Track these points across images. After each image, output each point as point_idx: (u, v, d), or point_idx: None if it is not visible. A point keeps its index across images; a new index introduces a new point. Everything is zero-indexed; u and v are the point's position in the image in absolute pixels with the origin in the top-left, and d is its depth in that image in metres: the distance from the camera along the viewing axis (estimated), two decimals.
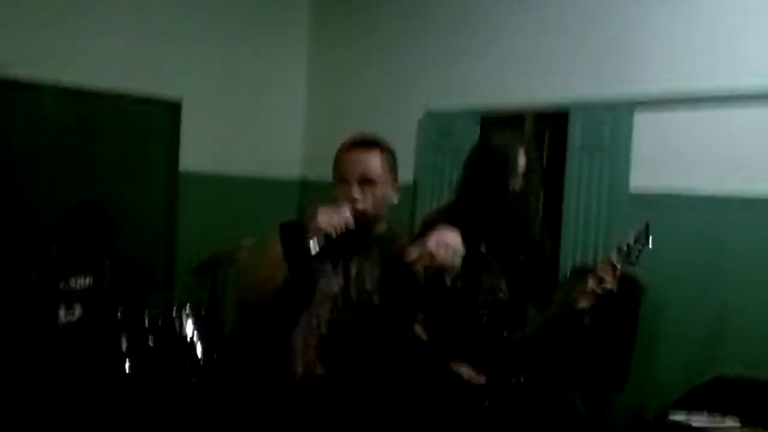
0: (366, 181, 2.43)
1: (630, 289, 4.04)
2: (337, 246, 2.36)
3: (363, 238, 2.48)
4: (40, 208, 5.34)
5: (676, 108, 4.25)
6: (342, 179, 2.46)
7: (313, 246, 2.27)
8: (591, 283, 2.82)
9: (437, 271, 2.23)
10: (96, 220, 4.75)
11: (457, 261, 2.23)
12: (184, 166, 6.14)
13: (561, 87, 4.76)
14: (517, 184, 2.96)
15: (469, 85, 5.38)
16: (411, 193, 5.60)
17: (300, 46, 6.85)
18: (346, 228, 2.32)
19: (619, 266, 2.83)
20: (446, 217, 3.09)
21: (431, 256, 2.19)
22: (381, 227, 2.55)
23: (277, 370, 2.50)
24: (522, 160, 2.97)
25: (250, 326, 2.92)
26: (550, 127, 5.00)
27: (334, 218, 2.31)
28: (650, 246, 2.86)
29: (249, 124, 6.49)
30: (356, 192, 2.42)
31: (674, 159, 4.26)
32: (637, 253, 2.85)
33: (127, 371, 3.98)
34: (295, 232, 2.34)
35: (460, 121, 5.34)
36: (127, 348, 4.03)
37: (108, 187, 5.77)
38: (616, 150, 4.44)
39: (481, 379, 2.96)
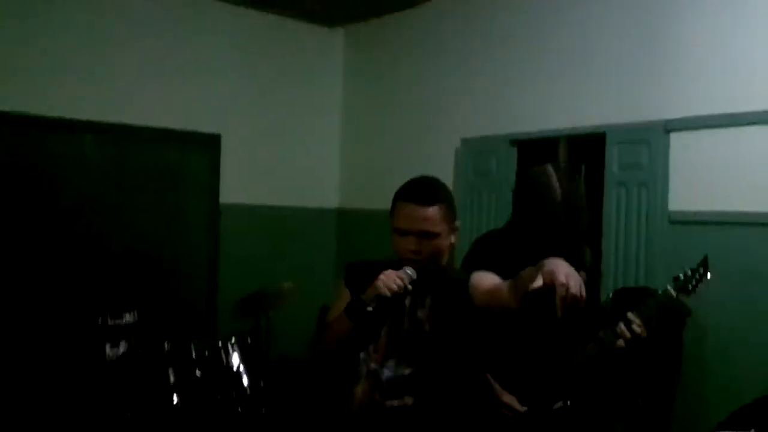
0: (424, 236, 2.48)
1: (674, 314, 4.04)
2: (394, 303, 2.49)
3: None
4: (85, 246, 5.43)
5: (713, 128, 4.23)
6: (401, 232, 2.51)
7: (371, 308, 2.44)
8: (622, 327, 2.83)
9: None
10: (139, 262, 4.83)
11: (584, 292, 2.10)
12: (224, 199, 6.22)
13: (596, 111, 4.77)
14: (562, 212, 2.97)
15: (503, 112, 5.41)
16: None
17: (335, 78, 6.95)
18: (403, 289, 2.44)
19: (674, 294, 2.84)
20: (501, 238, 3.12)
21: (565, 287, 2.07)
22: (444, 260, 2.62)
23: (338, 398, 2.61)
24: (563, 189, 2.99)
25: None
26: (584, 161, 5.02)
27: (392, 282, 2.41)
28: (708, 277, 2.87)
29: (286, 157, 6.57)
30: (415, 244, 2.48)
31: (713, 180, 4.23)
32: (693, 284, 2.86)
33: (176, 403, 4.03)
34: (356, 302, 2.49)
35: (496, 148, 5.38)
36: (175, 380, 4.08)
37: (150, 224, 5.88)
38: (654, 172, 4.43)
39: (521, 409, 2.98)
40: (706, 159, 4.25)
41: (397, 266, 2.55)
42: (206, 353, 4.18)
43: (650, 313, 2.88)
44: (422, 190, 2.52)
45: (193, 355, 4.16)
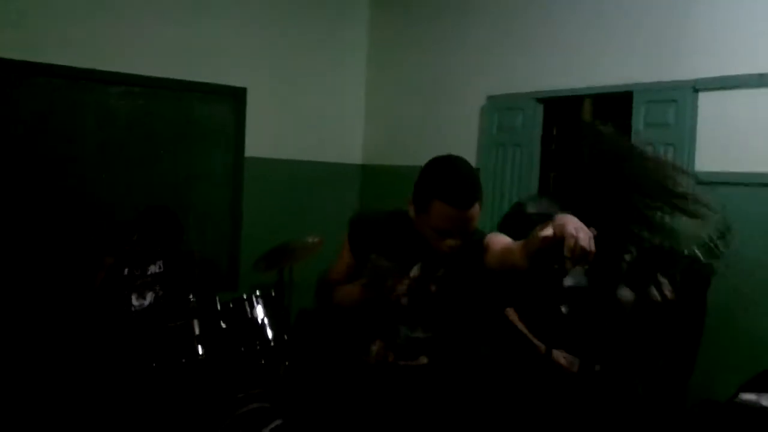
0: (467, 233, 2.50)
1: (698, 273, 4.03)
2: (380, 244, 2.67)
3: (419, 239, 2.59)
4: (109, 198, 5.49)
5: (742, 88, 4.16)
6: (442, 233, 2.47)
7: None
8: (652, 292, 2.89)
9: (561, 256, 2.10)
10: (165, 219, 4.86)
11: (593, 246, 2.06)
12: (249, 152, 6.25)
13: (623, 69, 4.71)
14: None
15: (529, 70, 5.36)
16: None
17: (360, 33, 6.91)
18: None
19: (703, 259, 2.84)
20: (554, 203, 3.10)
21: (575, 239, 2.02)
22: None
23: (354, 355, 2.69)
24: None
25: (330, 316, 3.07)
26: (610, 119, 4.97)
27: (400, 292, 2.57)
28: (733, 239, 2.87)
29: (311, 112, 6.57)
30: (456, 242, 2.49)
31: (740, 141, 4.19)
32: (720, 249, 2.86)
33: (201, 354, 4.09)
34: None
35: (521, 105, 5.34)
36: (200, 332, 4.14)
37: (174, 176, 5.93)
38: (681, 131, 4.39)
39: (575, 366, 3.01)
40: (735, 119, 4.19)
41: (401, 219, 2.60)
42: (231, 306, 4.24)
43: (677, 276, 2.89)
44: (462, 191, 2.43)
45: (218, 307, 4.22)
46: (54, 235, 5.33)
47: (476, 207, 2.45)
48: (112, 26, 5.50)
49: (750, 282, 4.10)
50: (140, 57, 5.64)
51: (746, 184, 4.10)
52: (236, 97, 6.16)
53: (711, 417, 3.66)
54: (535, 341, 3.12)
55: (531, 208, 3.19)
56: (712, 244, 2.87)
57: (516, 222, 3.11)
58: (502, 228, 3.19)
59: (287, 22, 6.41)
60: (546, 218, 2.16)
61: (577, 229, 2.03)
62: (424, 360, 2.62)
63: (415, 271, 2.61)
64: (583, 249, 2.01)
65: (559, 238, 2.04)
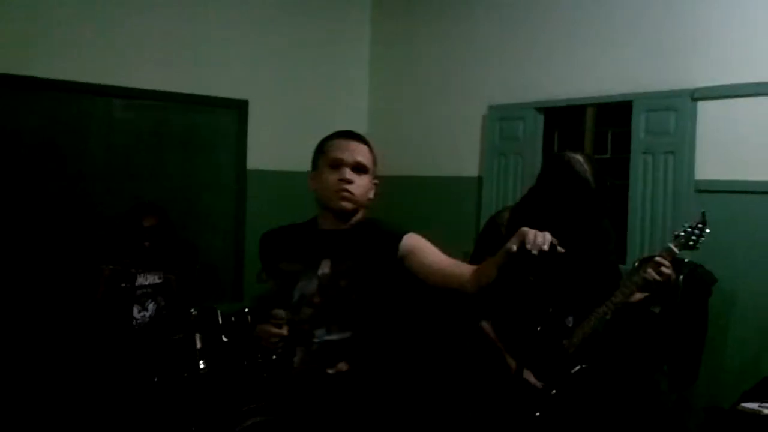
0: (358, 168, 2.56)
1: (699, 281, 4.05)
2: (289, 247, 2.67)
3: (327, 235, 2.62)
4: (115, 211, 5.50)
5: (740, 96, 4.18)
6: (334, 164, 2.56)
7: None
8: (650, 271, 2.91)
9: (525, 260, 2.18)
10: (158, 219, 4.90)
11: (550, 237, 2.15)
12: (251, 164, 6.26)
13: (623, 78, 4.72)
14: (586, 200, 3.03)
15: (531, 79, 5.37)
16: (476, 186, 5.65)
17: (362, 44, 6.91)
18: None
19: (677, 251, 2.90)
20: (520, 212, 3.17)
21: (534, 234, 2.13)
22: (358, 217, 2.66)
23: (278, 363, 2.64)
24: (592, 182, 3.03)
25: None
26: (612, 126, 5.02)
27: (271, 340, 2.49)
28: (707, 232, 2.91)
29: (312, 123, 6.55)
30: (348, 174, 2.54)
31: (739, 149, 4.20)
32: (694, 239, 2.91)
33: (202, 368, 4.11)
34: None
35: (522, 114, 5.35)
36: (202, 346, 4.16)
37: (177, 189, 5.95)
38: (681, 140, 4.40)
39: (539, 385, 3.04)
40: (734, 127, 4.20)
41: (308, 224, 2.67)
42: (232, 319, 4.25)
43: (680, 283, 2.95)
44: (351, 132, 2.65)
45: (220, 320, 4.23)
46: (60, 247, 5.35)
47: (367, 147, 2.61)
48: (114, 41, 5.53)
49: (750, 289, 4.11)
50: (141, 71, 5.67)
51: (746, 192, 4.12)
52: (238, 109, 6.18)
53: (714, 424, 3.68)
54: (508, 358, 3.13)
55: (500, 219, 3.25)
56: (687, 238, 2.92)
57: (489, 237, 3.15)
58: (479, 246, 3.22)
59: (290, 36, 6.41)
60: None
61: (535, 233, 2.13)
62: (343, 366, 2.54)
63: (324, 268, 2.57)
64: (542, 237, 2.11)
65: (522, 248, 2.12)
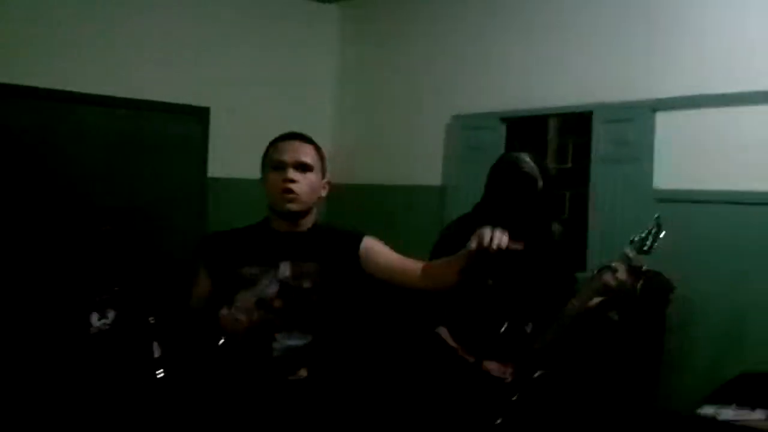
0: (301, 167, 2.52)
1: (658, 289, 4.09)
2: (245, 249, 2.58)
3: (284, 237, 2.57)
4: (84, 216, 5.46)
5: (698, 107, 4.25)
6: (277, 166, 2.53)
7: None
8: (607, 276, 2.94)
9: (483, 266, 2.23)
10: (112, 226, 4.86)
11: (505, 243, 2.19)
12: (212, 172, 6.24)
13: (584, 89, 4.78)
14: (534, 199, 3.08)
15: (494, 90, 5.42)
16: (439, 195, 5.67)
17: (328, 54, 6.93)
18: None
19: (631, 255, 2.93)
20: (465, 224, 3.20)
21: (490, 233, 2.17)
22: (307, 222, 2.62)
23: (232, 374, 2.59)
24: (540, 180, 3.09)
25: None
26: (573, 136, 5.07)
27: (233, 325, 2.42)
28: (662, 235, 2.94)
29: (276, 131, 6.53)
30: (290, 174, 2.50)
31: (697, 158, 4.26)
32: (649, 243, 2.94)
33: (160, 377, 4.06)
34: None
35: (486, 124, 5.39)
36: (160, 354, 4.11)
37: (138, 196, 5.91)
38: (640, 150, 4.46)
39: (509, 373, 3.04)
40: (692, 138, 4.27)
41: (260, 226, 2.63)
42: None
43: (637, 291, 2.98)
44: (294, 133, 2.62)
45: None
46: (21, 253, 5.29)
47: (311, 146, 2.59)
48: (75, 47, 5.51)
49: (708, 297, 4.16)
50: (102, 77, 5.64)
51: (704, 201, 4.18)
52: (199, 116, 6.15)
53: (672, 429, 3.72)
54: (466, 356, 3.14)
55: (450, 230, 3.30)
56: (642, 242, 2.96)
57: (441, 249, 3.17)
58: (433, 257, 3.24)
59: (254, 43, 6.42)
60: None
61: (492, 231, 2.17)
62: (303, 373, 2.49)
63: (284, 270, 2.52)
64: (500, 234, 2.16)
65: (481, 248, 2.15)
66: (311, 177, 2.54)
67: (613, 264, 2.97)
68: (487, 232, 2.17)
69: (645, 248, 2.95)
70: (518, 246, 2.17)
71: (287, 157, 2.52)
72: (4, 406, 4.46)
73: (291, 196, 2.50)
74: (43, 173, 5.48)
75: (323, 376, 2.53)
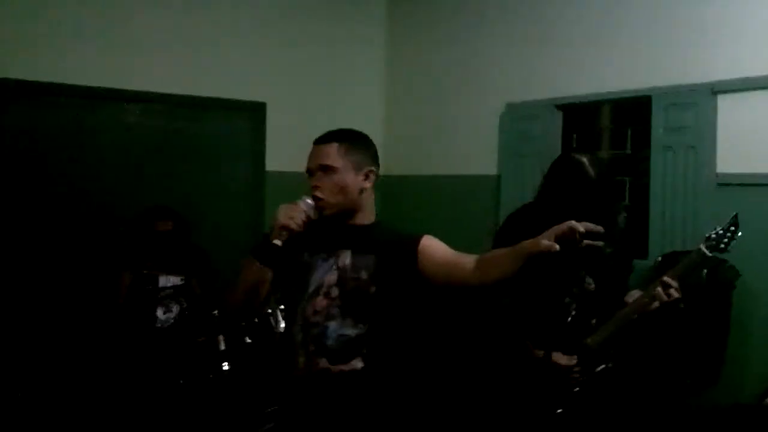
0: (324, 170, 2.55)
1: (723, 276, 4.03)
2: (306, 237, 2.56)
3: (345, 228, 2.60)
4: (130, 215, 5.53)
5: (761, 89, 4.14)
6: (308, 173, 2.61)
7: (279, 242, 2.49)
8: (659, 290, 2.95)
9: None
10: (173, 223, 4.94)
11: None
12: (269, 166, 6.29)
13: (641, 75, 4.69)
14: (593, 196, 3.07)
15: (548, 77, 5.36)
16: (495, 184, 5.64)
17: (378, 45, 6.93)
18: (308, 218, 2.49)
19: (708, 254, 2.88)
20: (531, 213, 3.20)
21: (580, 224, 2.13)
22: (365, 216, 2.64)
23: (282, 365, 2.61)
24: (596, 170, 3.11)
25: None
26: (630, 124, 5.01)
27: (291, 212, 2.48)
28: (739, 234, 2.89)
29: (330, 124, 6.56)
30: (314, 180, 2.56)
31: (761, 141, 4.16)
32: (725, 242, 2.89)
33: (226, 370, 4.12)
34: (263, 241, 2.53)
35: (540, 112, 5.35)
36: (225, 347, 4.17)
37: (195, 192, 5.98)
38: (701, 135, 4.37)
39: (573, 362, 3.04)
40: (755, 121, 4.17)
41: (322, 222, 2.61)
42: (255, 320, 4.27)
43: (678, 274, 2.94)
44: (320, 136, 2.65)
45: (243, 322, 4.25)
46: (75, 253, 5.39)
47: (334, 145, 2.58)
48: (128, 45, 5.57)
49: None
50: (158, 75, 5.71)
51: (766, 186, 4.09)
52: (255, 111, 6.20)
53: (738, 420, 3.66)
54: (534, 351, 3.13)
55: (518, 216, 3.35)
56: (719, 240, 2.91)
57: (507, 234, 3.16)
58: (497, 244, 3.21)
59: (306, 37, 6.43)
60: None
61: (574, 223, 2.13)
62: (358, 365, 2.50)
63: (344, 259, 2.55)
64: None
65: (569, 234, 2.11)
66: (335, 177, 2.56)
67: (665, 278, 2.94)
68: (579, 226, 2.12)
69: (722, 247, 2.90)
70: (599, 243, 2.14)
71: (311, 164, 2.60)
72: (75, 400, 4.58)
73: (319, 203, 2.56)
74: (92, 173, 5.57)
75: (378, 369, 2.53)
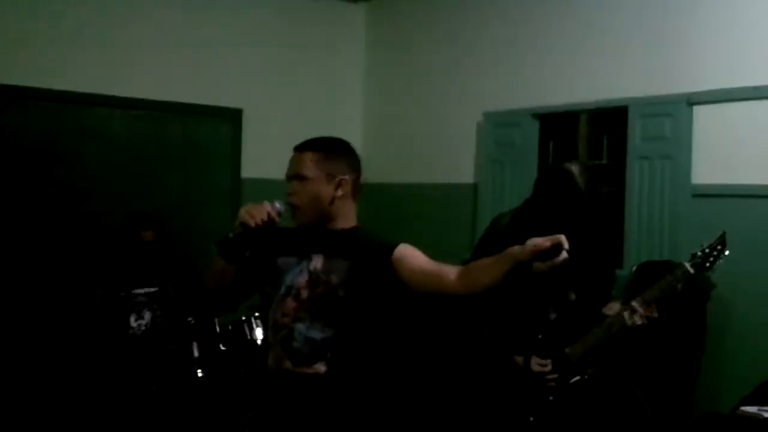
0: (299, 178, 2.57)
1: (698, 287, 4.04)
2: (283, 240, 2.63)
3: (321, 233, 2.60)
4: (112, 220, 5.48)
5: (737, 101, 4.18)
6: (287, 180, 2.63)
7: (231, 234, 2.54)
8: (626, 315, 2.95)
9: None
10: (155, 233, 4.91)
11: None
12: (246, 173, 6.26)
13: (618, 85, 4.72)
14: (580, 206, 3.06)
15: (526, 86, 5.38)
16: (472, 192, 5.64)
17: (357, 53, 6.91)
18: (270, 219, 2.48)
19: (692, 271, 2.88)
20: (519, 220, 3.19)
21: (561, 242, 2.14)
22: (342, 222, 2.64)
23: (259, 365, 2.65)
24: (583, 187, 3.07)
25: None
26: (606, 133, 5.04)
27: (253, 210, 2.49)
28: (726, 254, 2.88)
29: (308, 132, 6.53)
30: (290, 187, 2.59)
31: (736, 153, 4.19)
32: (711, 260, 2.88)
33: (200, 377, 4.09)
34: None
35: (518, 121, 5.36)
36: (199, 354, 4.14)
37: (172, 197, 5.93)
38: (677, 145, 4.40)
39: (548, 367, 3.03)
40: (730, 131, 4.21)
41: (299, 227, 2.63)
42: (230, 328, 4.24)
43: (655, 296, 2.92)
44: (298, 145, 2.66)
45: (217, 329, 4.22)
46: (53, 260, 5.33)
47: (309, 154, 2.59)
48: (111, 52, 5.53)
49: (747, 294, 4.10)
50: (137, 81, 5.68)
51: (743, 196, 4.12)
52: (232, 118, 6.18)
53: (714, 429, 3.67)
54: (515, 358, 3.12)
55: (502, 221, 3.30)
56: (705, 259, 2.90)
57: (491, 240, 3.16)
58: (480, 250, 3.22)
59: (284, 44, 6.39)
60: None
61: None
62: (321, 368, 2.49)
63: (316, 262, 2.56)
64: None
65: (555, 245, 2.12)
66: (308, 186, 2.57)
67: (633, 303, 2.93)
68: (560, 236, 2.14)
69: (707, 265, 2.90)
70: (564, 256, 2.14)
71: (289, 171, 2.63)
72: (47, 406, 4.53)
73: (294, 210, 2.59)
74: (75, 178, 5.53)
75: (341, 374, 2.52)
